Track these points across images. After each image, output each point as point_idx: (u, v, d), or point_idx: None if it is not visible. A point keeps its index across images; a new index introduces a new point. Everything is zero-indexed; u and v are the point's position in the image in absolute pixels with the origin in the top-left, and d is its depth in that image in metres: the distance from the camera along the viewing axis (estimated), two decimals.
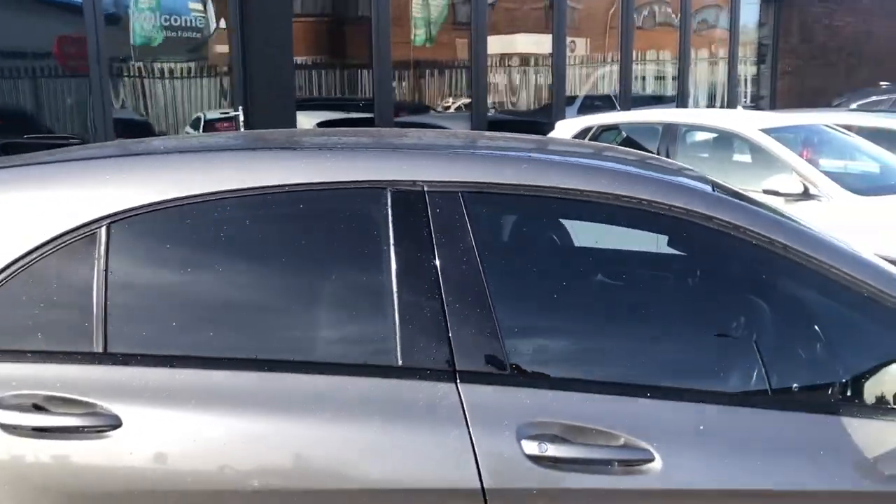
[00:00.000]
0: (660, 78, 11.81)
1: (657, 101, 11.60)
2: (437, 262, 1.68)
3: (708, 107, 12.18)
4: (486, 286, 1.67)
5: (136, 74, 6.62)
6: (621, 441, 1.58)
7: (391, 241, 1.70)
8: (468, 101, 9.12)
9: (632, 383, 1.71)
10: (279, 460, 1.60)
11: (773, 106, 12.96)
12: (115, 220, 1.73)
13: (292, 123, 7.27)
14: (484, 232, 1.76)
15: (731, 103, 12.74)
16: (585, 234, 2.11)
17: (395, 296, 1.66)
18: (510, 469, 1.56)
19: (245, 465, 1.59)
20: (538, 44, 9.89)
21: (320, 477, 1.60)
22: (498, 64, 9.49)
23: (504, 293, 1.71)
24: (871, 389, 1.68)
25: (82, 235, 1.72)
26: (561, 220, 2.02)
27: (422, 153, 1.92)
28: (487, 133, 2.85)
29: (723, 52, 12.65)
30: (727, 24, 12.58)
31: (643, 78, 11.37)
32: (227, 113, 7.20)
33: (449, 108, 9.21)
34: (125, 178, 1.81)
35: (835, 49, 14.18)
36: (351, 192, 1.78)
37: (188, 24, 6.90)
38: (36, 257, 1.70)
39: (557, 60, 9.88)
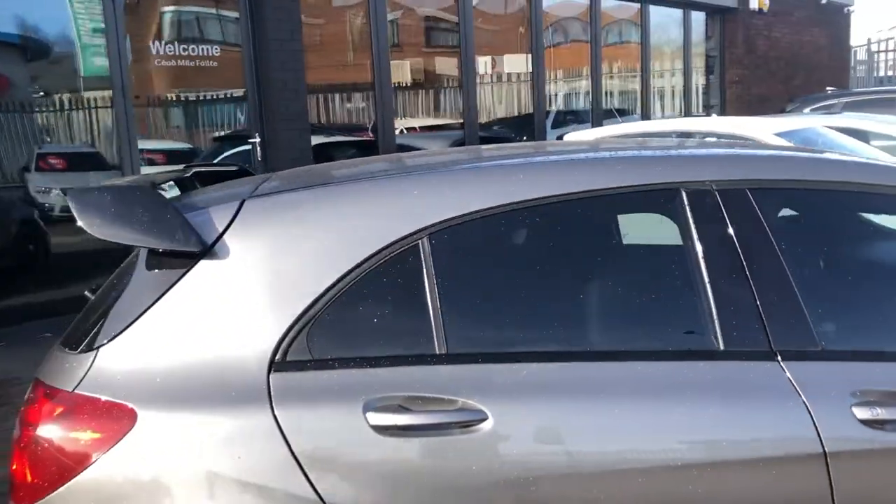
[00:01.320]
0: (624, 92, 12.29)
1: (623, 113, 12.07)
2: (741, 253, 1.87)
3: (667, 117, 12.71)
4: (787, 273, 1.87)
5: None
6: None
7: (694, 236, 1.88)
8: (459, 119, 9.35)
9: None
10: (635, 442, 1.75)
11: (723, 114, 13.60)
12: (434, 231, 1.86)
13: (307, 149, 7.33)
14: (772, 223, 1.95)
15: (687, 112, 13.34)
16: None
17: (709, 286, 1.84)
18: (846, 434, 1.75)
19: (608, 447, 1.74)
20: (517, 62, 10.21)
21: (671, 453, 1.75)
22: (484, 82, 9.74)
23: (802, 278, 1.91)
24: None
25: (406, 246, 1.85)
26: (833, 210, 2.24)
27: (705, 158, 2.11)
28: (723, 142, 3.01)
29: (678, 64, 13.25)
30: (680, 39, 13.18)
31: (609, 93, 11.81)
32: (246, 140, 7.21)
33: (437, 126, 9.40)
34: (434, 193, 1.95)
35: (774, 58, 15.02)
36: (649, 193, 1.96)
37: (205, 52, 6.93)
38: (366, 269, 1.82)
39: (537, 76, 10.21)
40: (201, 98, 7.17)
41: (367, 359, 1.79)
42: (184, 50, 6.80)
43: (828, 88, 15.20)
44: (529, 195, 1.92)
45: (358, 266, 1.83)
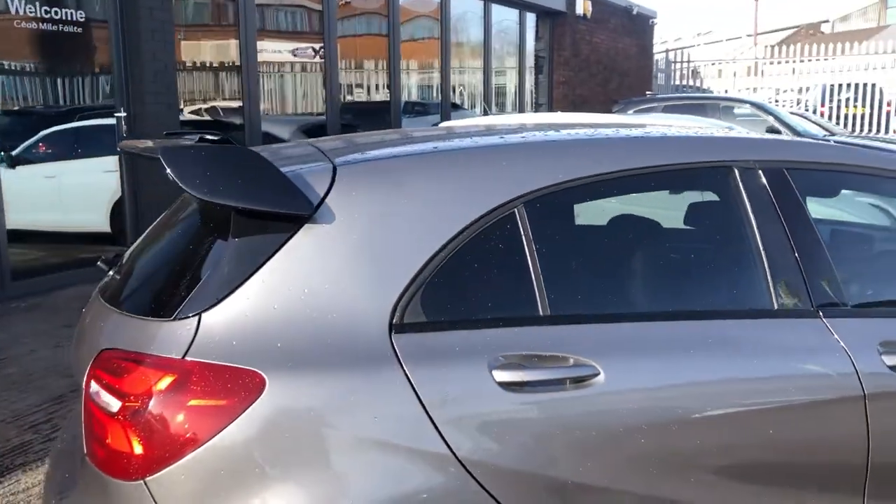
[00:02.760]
0: (465, 85, 12.69)
1: (458, 107, 12.49)
2: (783, 223, 2.14)
3: (505, 112, 13.28)
4: (817, 233, 2.16)
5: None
6: None
7: (748, 209, 2.13)
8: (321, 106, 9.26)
9: None
10: (727, 392, 1.97)
11: (551, 112, 14.41)
12: (528, 200, 1.98)
13: (175, 125, 6.98)
14: (805, 194, 2.24)
15: (521, 108, 14.00)
16: None
17: (763, 251, 2.10)
18: (880, 378, 2.07)
19: (706, 398, 1.94)
20: (376, 52, 10.27)
21: (753, 400, 1.99)
22: (349, 68, 9.71)
23: (830, 246, 2.21)
24: None
25: (504, 214, 1.95)
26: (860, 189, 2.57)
27: (748, 140, 2.35)
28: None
29: (512, 62, 13.87)
30: (517, 39, 13.80)
31: (454, 87, 12.16)
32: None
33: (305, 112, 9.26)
34: (524, 164, 2.05)
35: (595, 62, 16.11)
36: (701, 170, 2.18)
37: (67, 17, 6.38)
38: (468, 236, 1.90)
39: (393, 68, 10.32)
40: (61, 66, 6.59)
41: (480, 321, 1.87)
42: (45, 12, 6.23)
43: (647, 92, 16.53)
44: (610, 168, 2.08)
45: (460, 233, 1.90)
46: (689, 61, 21.17)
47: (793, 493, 2.04)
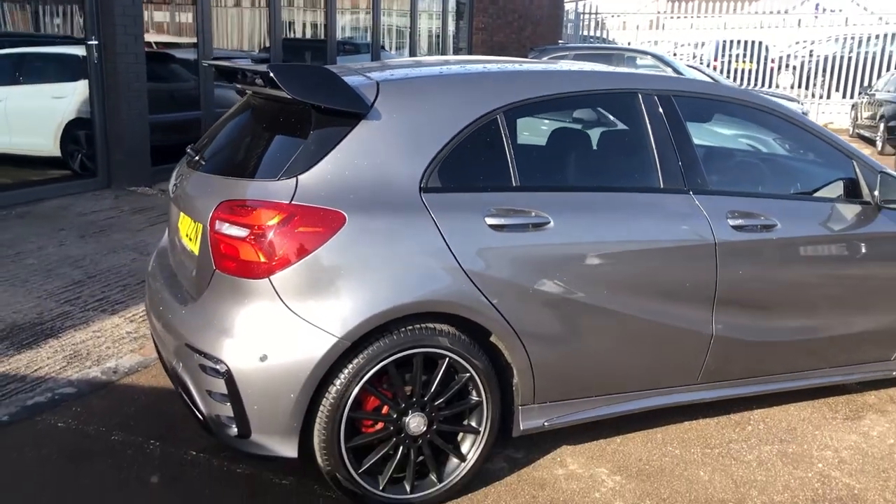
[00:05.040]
0: (398, 28, 13.44)
1: (398, 48, 13.26)
2: (669, 131, 3.21)
3: (432, 54, 14.11)
4: (691, 138, 3.25)
5: None
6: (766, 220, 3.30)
7: (647, 121, 3.20)
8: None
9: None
10: (631, 233, 3.07)
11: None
12: (506, 110, 2.99)
13: (141, 54, 7.57)
14: (685, 114, 3.31)
15: (444, 52, 14.85)
16: None
17: (655, 149, 3.18)
18: (726, 234, 3.19)
19: (618, 237, 3.03)
20: None
21: (644, 239, 3.09)
22: (289, 4, 10.33)
23: (704, 155, 3.33)
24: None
25: (491, 118, 2.95)
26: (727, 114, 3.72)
27: (648, 75, 3.41)
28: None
29: (437, 7, 14.67)
30: None
31: (384, 28, 12.90)
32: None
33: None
34: (501, 85, 3.06)
35: (511, 10, 17.06)
36: (620, 94, 3.24)
37: None
38: (468, 131, 2.90)
39: (330, 6, 10.99)
40: None
41: (476, 187, 2.89)
42: None
43: (559, 41, 17.63)
44: (562, 90, 3.12)
45: (464, 129, 2.90)
46: (596, 13, 22.38)
47: (672, 304, 3.15)
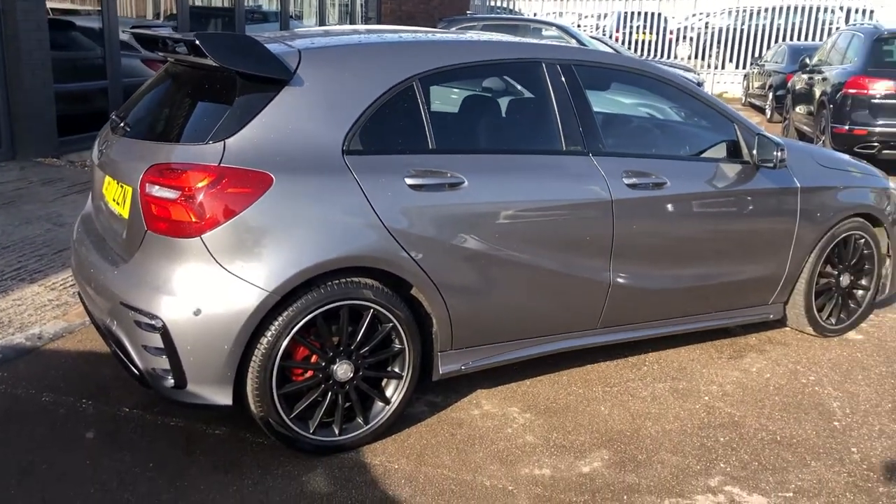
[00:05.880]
0: None
1: (307, 17, 13.20)
2: (570, 99, 3.50)
3: (340, 23, 14.09)
4: (590, 105, 3.55)
5: None
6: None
7: (551, 89, 3.47)
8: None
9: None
10: (534, 192, 3.34)
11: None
12: (421, 77, 3.21)
13: (44, 20, 7.39)
14: (585, 83, 3.60)
15: (352, 21, 14.85)
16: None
17: (558, 115, 3.46)
18: (622, 191, 3.51)
19: (524, 194, 3.31)
20: None
21: (546, 197, 3.37)
22: None
23: (602, 121, 3.63)
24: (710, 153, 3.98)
25: (408, 85, 3.16)
26: (620, 83, 4.00)
27: (550, 45, 3.67)
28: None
29: None
30: None
31: None
32: None
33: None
34: (416, 54, 3.27)
35: None
36: (525, 63, 3.50)
37: None
38: (387, 97, 3.11)
39: None
40: None
41: (396, 150, 3.10)
42: None
43: (467, 12, 17.81)
44: (473, 59, 3.36)
45: (383, 94, 3.11)
46: None
47: (574, 256, 3.46)
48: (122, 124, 3.32)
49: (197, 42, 2.85)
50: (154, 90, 3.42)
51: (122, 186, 3.07)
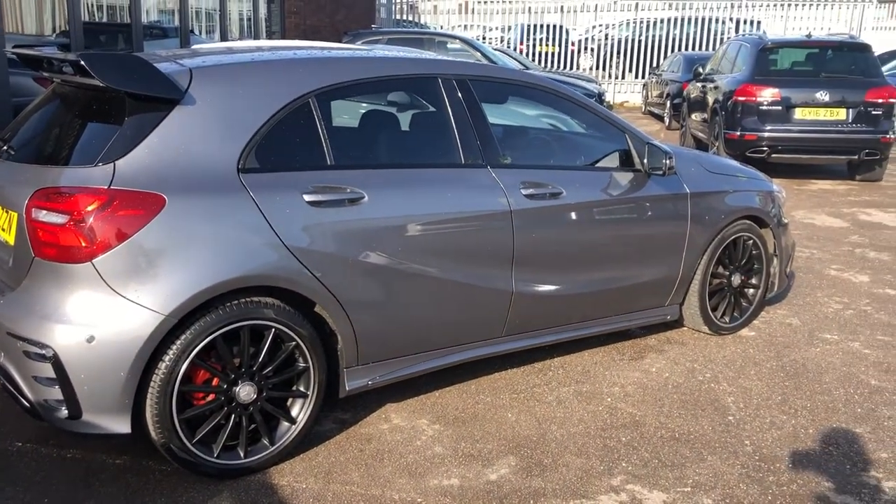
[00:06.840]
0: (207, 10, 13.14)
1: (208, 32, 12.96)
2: (467, 113, 3.57)
3: (243, 38, 13.91)
4: (487, 118, 3.62)
5: None
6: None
7: (448, 103, 3.53)
8: None
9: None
10: (434, 206, 3.39)
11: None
12: (317, 94, 3.22)
13: None
14: (481, 97, 3.67)
15: (256, 36, 14.67)
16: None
17: (456, 129, 3.52)
18: (520, 202, 3.59)
19: (423, 208, 3.35)
20: None
21: (447, 210, 3.43)
22: None
23: (501, 134, 3.71)
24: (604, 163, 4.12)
25: (304, 101, 3.17)
26: (516, 96, 4.10)
27: (446, 60, 3.73)
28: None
29: None
30: None
31: (193, 11, 12.58)
32: None
33: None
34: (311, 70, 3.28)
35: None
36: (422, 79, 3.55)
37: None
38: (282, 114, 3.11)
39: None
40: None
41: (294, 167, 3.09)
42: None
43: (372, 26, 17.84)
44: (369, 75, 3.37)
45: (278, 112, 3.10)
46: None
47: (477, 267, 3.52)
48: (5, 147, 3.20)
49: (82, 62, 2.78)
50: (40, 111, 3.31)
51: (7, 212, 2.96)
